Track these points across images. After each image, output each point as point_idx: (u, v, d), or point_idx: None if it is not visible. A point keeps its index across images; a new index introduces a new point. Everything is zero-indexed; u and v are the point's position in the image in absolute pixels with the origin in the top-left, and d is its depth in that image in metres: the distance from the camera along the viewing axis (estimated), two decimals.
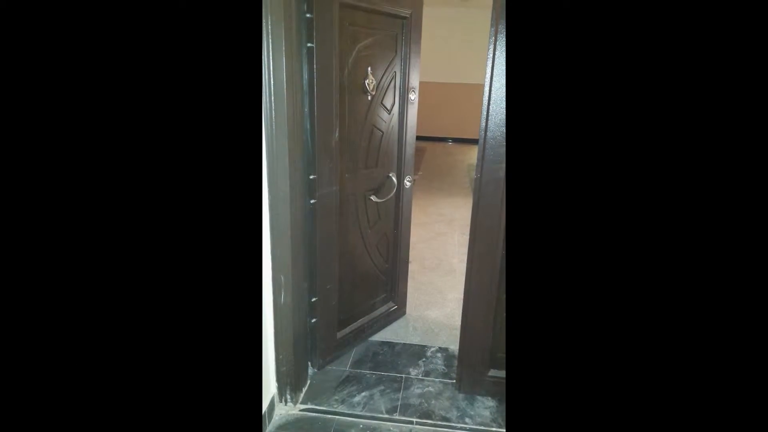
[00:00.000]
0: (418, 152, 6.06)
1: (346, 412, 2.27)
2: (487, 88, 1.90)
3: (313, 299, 2.38)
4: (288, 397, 2.28)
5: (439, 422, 2.23)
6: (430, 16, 3.14)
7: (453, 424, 2.22)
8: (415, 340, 2.89)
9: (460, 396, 2.41)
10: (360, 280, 2.71)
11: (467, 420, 2.25)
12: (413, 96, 2.60)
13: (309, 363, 2.51)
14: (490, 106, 1.92)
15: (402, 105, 2.57)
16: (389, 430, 2.18)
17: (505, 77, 1.86)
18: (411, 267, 3.25)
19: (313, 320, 2.42)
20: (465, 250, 2.24)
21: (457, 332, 2.40)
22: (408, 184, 2.75)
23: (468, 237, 2.18)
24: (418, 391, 2.43)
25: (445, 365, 2.65)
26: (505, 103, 1.89)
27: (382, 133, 2.52)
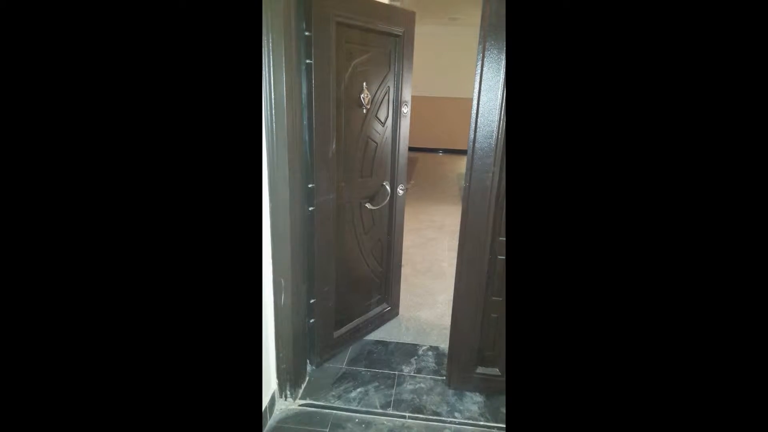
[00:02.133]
0: (411, 162, 6.06)
1: (342, 407, 2.27)
2: (475, 102, 1.91)
3: (312, 300, 2.37)
4: (288, 393, 2.27)
5: (431, 416, 2.23)
6: (421, 34, 3.15)
7: (443, 418, 2.22)
8: (407, 339, 2.88)
9: (450, 392, 2.40)
10: (356, 283, 2.70)
11: (456, 414, 2.25)
12: (406, 109, 2.61)
13: (308, 361, 2.50)
14: (479, 119, 1.93)
15: (395, 118, 2.58)
16: (383, 424, 2.17)
17: (492, 91, 1.87)
18: (404, 270, 3.25)
19: (312, 320, 2.42)
20: (454, 254, 2.24)
21: (447, 332, 2.40)
22: (401, 192, 2.76)
23: (457, 242, 2.18)
24: (411, 387, 2.43)
25: (435, 363, 2.65)
26: (492, 115, 1.90)
27: (377, 144, 2.52)
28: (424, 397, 2.35)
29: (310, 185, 2.16)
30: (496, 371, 2.37)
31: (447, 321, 2.55)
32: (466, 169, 2.03)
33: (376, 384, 2.44)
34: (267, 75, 1.77)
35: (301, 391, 2.36)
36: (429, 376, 2.52)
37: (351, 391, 2.38)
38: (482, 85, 1.87)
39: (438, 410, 2.27)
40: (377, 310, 2.94)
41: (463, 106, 9.15)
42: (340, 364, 2.61)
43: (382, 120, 2.51)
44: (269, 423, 2.15)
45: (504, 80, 1.85)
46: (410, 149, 2.80)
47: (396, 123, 2.59)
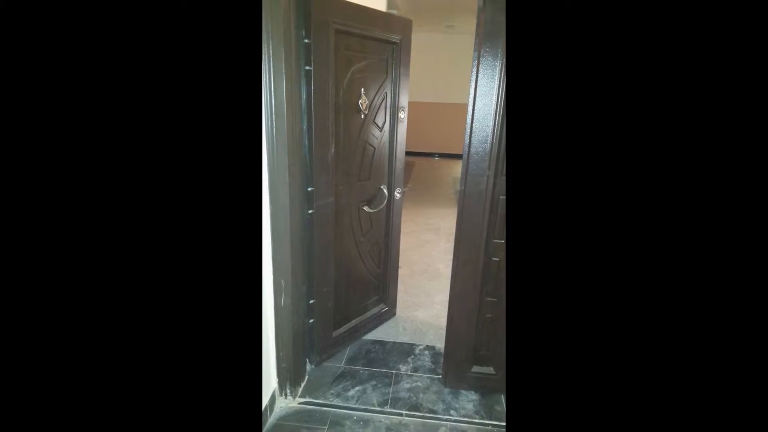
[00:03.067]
0: (408, 166, 6.04)
1: (341, 405, 2.27)
2: (470, 107, 1.91)
3: (311, 301, 2.37)
4: (288, 391, 2.27)
5: (427, 414, 2.23)
6: (418, 41, 3.16)
7: (439, 416, 2.22)
8: (404, 338, 2.88)
9: (446, 390, 2.40)
10: (354, 284, 2.70)
11: (452, 412, 2.25)
12: (403, 114, 2.61)
13: (307, 360, 2.50)
14: (474, 124, 1.93)
15: (392, 123, 2.59)
16: (381, 421, 2.17)
17: (487, 97, 1.88)
18: (401, 272, 3.25)
19: (311, 320, 2.42)
20: (450, 256, 2.25)
21: (443, 332, 2.40)
22: (398, 195, 2.76)
23: (453, 244, 2.18)
24: (407, 385, 2.43)
25: (432, 362, 2.65)
26: (486, 121, 1.91)
27: (374, 148, 2.53)
28: (421, 396, 2.35)
29: (309, 189, 2.16)
30: (490, 370, 2.37)
31: (443, 321, 2.55)
32: (462, 173, 2.03)
33: (374, 382, 2.44)
34: (267, 81, 1.77)
35: (300, 389, 2.36)
36: (425, 375, 2.52)
37: (349, 390, 2.38)
38: (477, 91, 1.88)
39: (434, 408, 2.27)
40: (375, 310, 2.94)
41: (458, 111, 9.18)
42: (339, 363, 2.60)
43: (380, 125, 2.52)
44: (269, 421, 2.15)
45: (498, 86, 1.86)
46: (407, 153, 2.80)
47: (393, 128, 2.60)
